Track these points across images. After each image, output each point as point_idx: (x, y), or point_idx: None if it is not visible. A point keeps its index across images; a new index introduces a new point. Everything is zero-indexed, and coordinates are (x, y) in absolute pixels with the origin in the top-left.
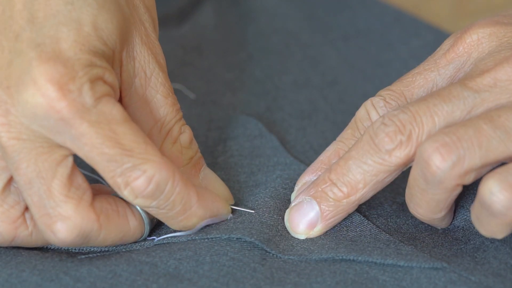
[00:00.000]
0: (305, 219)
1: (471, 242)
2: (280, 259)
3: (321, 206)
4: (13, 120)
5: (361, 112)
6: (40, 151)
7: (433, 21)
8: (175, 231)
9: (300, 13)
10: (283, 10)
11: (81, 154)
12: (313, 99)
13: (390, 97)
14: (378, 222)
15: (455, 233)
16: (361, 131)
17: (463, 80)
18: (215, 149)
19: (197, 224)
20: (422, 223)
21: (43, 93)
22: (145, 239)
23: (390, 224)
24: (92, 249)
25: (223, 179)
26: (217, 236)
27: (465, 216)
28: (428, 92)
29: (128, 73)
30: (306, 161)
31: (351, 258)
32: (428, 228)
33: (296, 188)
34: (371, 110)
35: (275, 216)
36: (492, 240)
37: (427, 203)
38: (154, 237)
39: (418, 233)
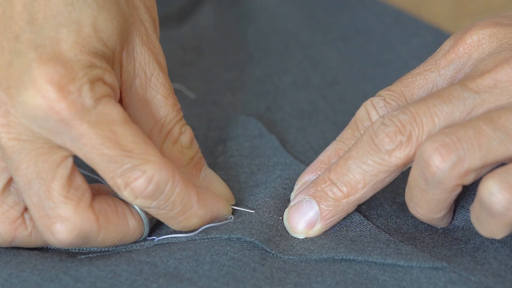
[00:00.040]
0: (305, 218)
1: (471, 242)
2: (280, 259)
3: (321, 205)
4: (13, 121)
5: (361, 112)
6: (40, 152)
7: (433, 21)
8: (175, 231)
9: (300, 13)
10: (283, 10)
11: (81, 155)
12: (313, 99)
13: (390, 97)
14: (378, 222)
15: (455, 233)
16: (361, 131)
17: (463, 81)
18: (215, 149)
19: (198, 224)
20: (422, 223)
21: (43, 94)
22: (145, 239)
23: (390, 224)
24: (92, 249)
25: (223, 179)
26: (217, 236)
27: (465, 216)
28: (428, 93)
29: (128, 74)
30: (306, 161)
31: (351, 258)
32: (428, 228)
33: (295, 188)
34: (371, 110)
35: (275, 216)
36: (492, 241)
37: (427, 203)
38: (154, 237)
39: (418, 233)
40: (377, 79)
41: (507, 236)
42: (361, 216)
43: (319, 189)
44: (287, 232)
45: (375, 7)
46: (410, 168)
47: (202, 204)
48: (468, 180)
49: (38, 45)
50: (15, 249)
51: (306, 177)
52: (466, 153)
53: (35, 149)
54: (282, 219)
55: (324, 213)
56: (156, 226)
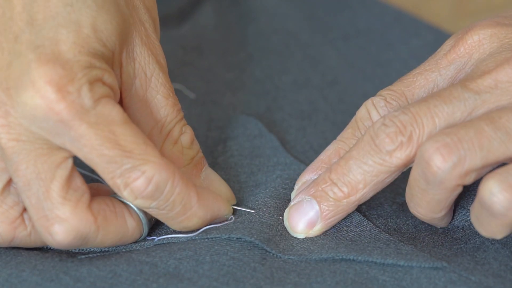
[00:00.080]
0: (305, 218)
1: (471, 241)
2: (280, 259)
3: (321, 205)
4: (12, 122)
5: (361, 112)
6: (39, 153)
7: (433, 21)
8: (175, 231)
9: (300, 13)
10: (283, 10)
11: (80, 155)
12: (313, 99)
13: (391, 97)
14: (378, 222)
15: (455, 233)
16: (362, 130)
17: (464, 81)
18: (215, 149)
19: (198, 224)
20: (422, 223)
21: (42, 95)
22: (145, 239)
23: (390, 224)
24: (92, 249)
25: (223, 179)
26: (217, 235)
27: (465, 216)
28: (429, 93)
29: (128, 74)
30: (306, 161)
31: (351, 258)
32: (428, 228)
33: (296, 187)
34: (371, 110)
35: (275, 216)
36: (492, 242)
37: (427, 203)
38: (154, 237)
39: (418, 233)
40: (377, 79)
41: (507, 237)
42: (361, 216)
43: (320, 189)
44: (287, 232)
45: (375, 7)
46: (410, 168)
47: (202, 204)
48: (469, 180)
49: (37, 46)
50: (15, 249)
51: (307, 176)
52: (467, 153)
53: (35, 149)
54: (282, 219)
55: (324, 213)
56: (156, 226)
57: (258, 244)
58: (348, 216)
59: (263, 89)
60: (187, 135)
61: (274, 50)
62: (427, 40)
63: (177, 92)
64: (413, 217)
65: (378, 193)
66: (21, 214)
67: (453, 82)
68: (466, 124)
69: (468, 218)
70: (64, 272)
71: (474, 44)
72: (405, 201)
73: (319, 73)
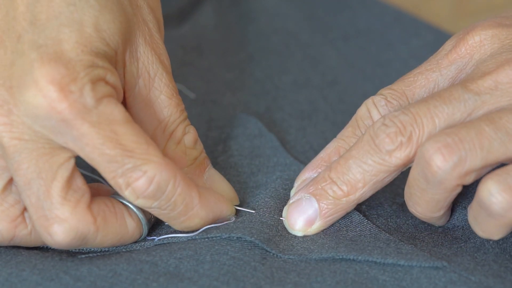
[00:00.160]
0: (304, 216)
1: (471, 241)
2: (280, 259)
3: (320, 203)
4: (15, 120)
5: (362, 110)
6: (41, 152)
7: (433, 21)
8: (175, 231)
9: (300, 13)
10: (283, 10)
11: (82, 154)
12: (313, 99)
13: (391, 96)
14: (378, 222)
15: (455, 232)
16: (362, 129)
17: (464, 82)
18: (215, 149)
19: (200, 224)
20: (422, 223)
21: (44, 94)
22: (145, 239)
23: (390, 224)
24: (92, 249)
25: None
26: (218, 235)
27: (465, 216)
28: (430, 92)
29: (132, 74)
30: (306, 161)
31: (351, 257)
32: (428, 228)
33: (295, 185)
34: (372, 109)
35: (275, 216)
36: (493, 245)
37: (426, 202)
38: (154, 237)
39: (418, 233)
40: (377, 79)
41: (504, 238)
42: (361, 216)
43: (319, 187)
44: (287, 232)
45: (375, 7)
46: (410, 168)
47: (204, 204)
48: (469, 180)
49: (40, 45)
50: (15, 248)
51: (307, 174)
52: (467, 153)
53: (37, 149)
54: (283, 219)
55: (323, 211)
56: (156, 226)
57: (258, 244)
58: (348, 215)
59: (263, 89)
60: (190, 135)
61: (274, 50)
62: (427, 40)
63: None
64: (413, 217)
65: (378, 193)
66: (22, 213)
67: (454, 82)
68: (467, 124)
69: (467, 218)
70: (64, 272)
71: (475, 45)
72: (404, 201)
73: (319, 73)
